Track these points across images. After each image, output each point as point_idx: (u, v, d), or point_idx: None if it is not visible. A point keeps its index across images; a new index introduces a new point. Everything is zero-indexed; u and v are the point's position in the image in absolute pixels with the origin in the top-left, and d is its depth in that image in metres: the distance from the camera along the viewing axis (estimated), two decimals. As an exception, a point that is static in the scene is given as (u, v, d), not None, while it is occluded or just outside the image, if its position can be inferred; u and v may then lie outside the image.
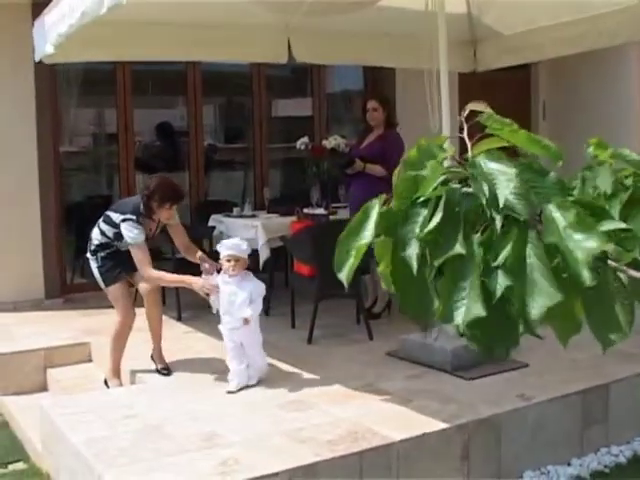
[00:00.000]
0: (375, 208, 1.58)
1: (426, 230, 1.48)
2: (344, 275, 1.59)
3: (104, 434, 3.92)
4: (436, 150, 1.58)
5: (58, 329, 6.38)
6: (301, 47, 6.39)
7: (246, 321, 4.46)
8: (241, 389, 4.50)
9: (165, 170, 7.81)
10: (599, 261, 1.41)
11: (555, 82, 9.99)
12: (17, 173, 7.17)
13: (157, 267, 5.06)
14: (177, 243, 5.26)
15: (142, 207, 4.94)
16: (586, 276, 1.38)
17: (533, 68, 9.83)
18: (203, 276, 4.68)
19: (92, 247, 5.11)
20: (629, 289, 1.48)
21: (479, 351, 1.52)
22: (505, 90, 9.02)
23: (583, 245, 1.39)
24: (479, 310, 1.44)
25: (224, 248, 4.55)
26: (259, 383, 4.60)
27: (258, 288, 4.56)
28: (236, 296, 4.49)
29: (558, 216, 1.43)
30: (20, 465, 4.64)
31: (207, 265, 4.78)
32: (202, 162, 8.49)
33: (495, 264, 1.44)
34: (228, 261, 4.51)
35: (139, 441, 3.80)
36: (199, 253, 5.02)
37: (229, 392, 4.47)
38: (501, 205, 1.43)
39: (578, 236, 1.40)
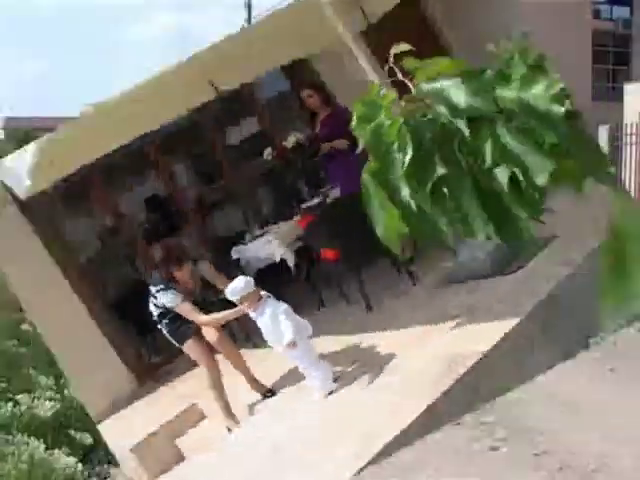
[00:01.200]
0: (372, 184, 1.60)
1: (404, 168, 1.50)
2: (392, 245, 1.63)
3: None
4: (378, 99, 1.57)
5: (164, 403, 6.74)
6: (223, 79, 6.67)
7: (292, 345, 4.71)
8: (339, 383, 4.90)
9: (169, 234, 8.23)
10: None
11: (450, 13, 9.77)
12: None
13: (205, 312, 5.38)
14: (217, 283, 5.50)
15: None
16: (557, 109, 1.41)
17: (423, 3, 9.78)
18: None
19: (155, 318, 5.58)
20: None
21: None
22: (408, 30, 8.90)
23: (541, 92, 1.44)
24: (489, 230, 1.49)
25: (229, 296, 4.86)
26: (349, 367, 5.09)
27: (277, 309, 4.75)
28: (264, 328, 4.82)
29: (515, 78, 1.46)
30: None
31: None
32: (198, 215, 8.90)
33: (487, 165, 1.45)
34: (241, 303, 4.85)
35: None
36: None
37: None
38: (464, 107, 1.44)
39: (535, 86, 1.44)
